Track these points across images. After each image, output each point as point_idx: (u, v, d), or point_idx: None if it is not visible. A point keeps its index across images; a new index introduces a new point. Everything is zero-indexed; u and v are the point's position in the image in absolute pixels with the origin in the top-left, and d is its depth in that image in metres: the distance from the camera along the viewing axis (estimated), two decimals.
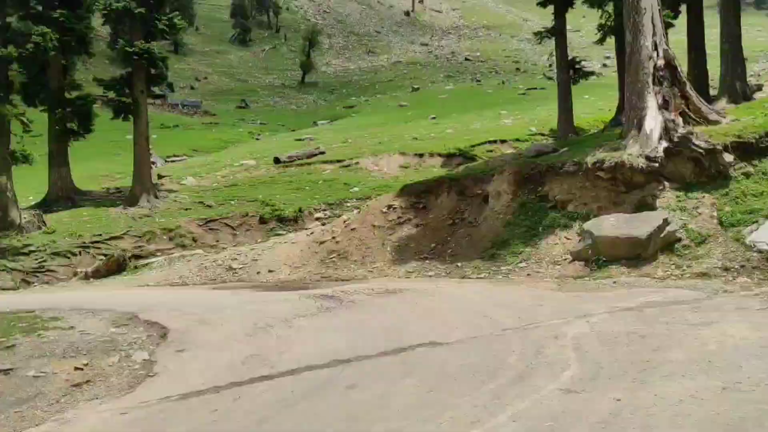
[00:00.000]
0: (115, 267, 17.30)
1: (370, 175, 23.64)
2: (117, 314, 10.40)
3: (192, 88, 63.73)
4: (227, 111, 56.92)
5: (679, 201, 11.28)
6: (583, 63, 24.69)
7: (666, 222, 10.68)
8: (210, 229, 19.27)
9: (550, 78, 50.97)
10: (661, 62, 12.16)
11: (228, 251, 17.05)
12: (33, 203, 23.95)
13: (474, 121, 33.56)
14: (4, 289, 16.74)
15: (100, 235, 18.90)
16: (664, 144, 11.48)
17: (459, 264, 12.57)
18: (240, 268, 15.23)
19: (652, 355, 6.29)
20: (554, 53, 23.08)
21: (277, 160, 26.60)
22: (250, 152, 32.09)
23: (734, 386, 5.24)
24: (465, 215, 14.14)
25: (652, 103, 11.72)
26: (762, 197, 10.73)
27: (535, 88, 50.75)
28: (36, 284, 17.41)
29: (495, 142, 25.50)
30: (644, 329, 7.20)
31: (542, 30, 23.20)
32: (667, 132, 11.59)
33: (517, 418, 5.06)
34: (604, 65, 51.68)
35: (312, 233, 16.31)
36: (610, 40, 21.35)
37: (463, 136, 27.99)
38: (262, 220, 19.28)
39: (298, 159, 26.39)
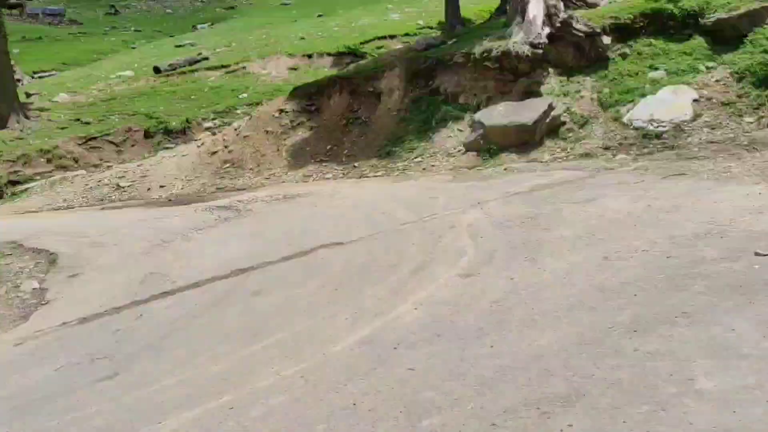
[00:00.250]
0: None
1: (258, 80, 22.75)
2: None
3: None
4: (95, 19, 52.29)
5: (563, 86, 11.63)
6: None
7: (551, 107, 11.04)
8: (91, 147, 18.06)
9: None
10: None
11: (114, 169, 16.16)
12: None
13: (361, 17, 32.69)
14: None
15: None
16: (547, 30, 11.66)
17: (356, 164, 12.56)
18: (129, 186, 14.53)
19: (542, 235, 6.65)
20: None
21: (157, 70, 24.98)
22: (126, 63, 29.94)
23: (614, 255, 5.66)
24: (359, 114, 13.99)
25: None
26: (637, 77, 11.24)
27: None
28: None
29: (384, 38, 25.00)
30: (534, 211, 7.56)
31: None
32: (549, 18, 11.76)
33: (418, 305, 5.26)
34: None
35: (203, 144, 15.68)
36: None
37: (351, 33, 27.26)
38: (148, 134, 18.23)
39: (180, 67, 24.87)
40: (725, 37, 11.23)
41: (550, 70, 11.87)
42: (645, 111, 10.52)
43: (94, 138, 18.32)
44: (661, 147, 9.91)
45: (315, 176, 12.68)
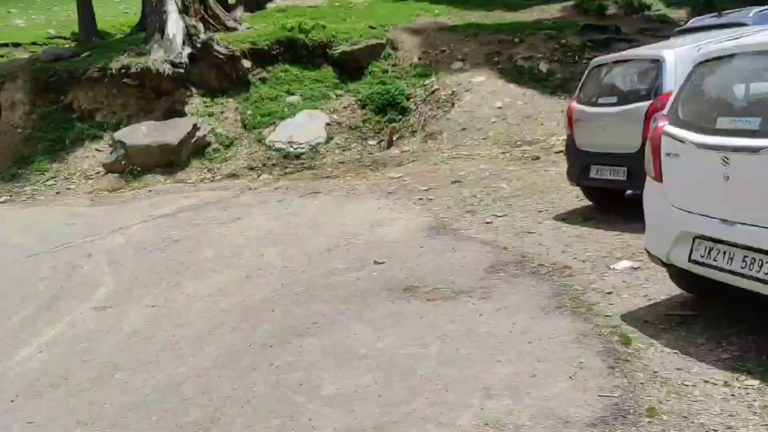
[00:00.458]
0: None
1: None
2: None
3: None
4: None
5: (207, 106, 11.70)
6: None
7: (196, 127, 11.00)
8: None
9: None
10: None
11: None
12: None
13: None
14: None
15: None
16: (188, 49, 11.61)
17: None
18: None
19: (186, 257, 6.53)
20: None
21: None
22: None
23: (256, 273, 5.85)
24: None
25: (172, 7, 11.62)
26: (276, 101, 11.91)
27: None
28: None
29: (7, 45, 21.98)
30: (179, 234, 7.41)
31: None
32: (189, 37, 11.72)
33: (44, 346, 4.69)
34: None
35: None
36: None
37: None
38: None
39: None
40: (350, 67, 12.61)
41: (194, 90, 11.83)
42: (285, 133, 11.19)
43: None
44: (300, 167, 10.65)
45: None
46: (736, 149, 3.35)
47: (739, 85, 3.74)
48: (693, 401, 3.10)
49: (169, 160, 10.71)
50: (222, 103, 11.83)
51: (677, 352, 3.60)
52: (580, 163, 6.51)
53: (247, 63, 12.14)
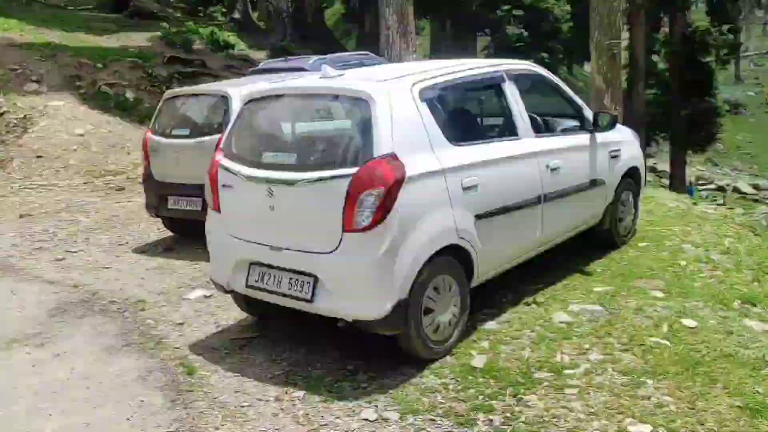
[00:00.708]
0: None
1: None
2: None
3: None
4: None
5: None
6: None
7: None
8: None
9: None
10: None
11: None
12: None
13: None
14: None
15: None
16: None
17: None
18: None
19: None
20: None
21: None
22: None
23: None
24: None
25: None
26: None
27: None
28: None
29: None
30: None
31: None
32: None
33: None
34: None
35: None
36: None
37: None
38: None
39: None
40: None
41: None
42: None
43: None
44: None
45: None
46: (278, 181, 3.68)
47: (281, 122, 4.14)
48: (246, 421, 3.26)
49: None
50: None
51: (238, 374, 3.75)
52: (157, 193, 6.42)
53: None
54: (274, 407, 3.38)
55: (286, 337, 4.21)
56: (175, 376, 3.75)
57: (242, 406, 3.40)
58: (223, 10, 27.33)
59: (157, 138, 6.40)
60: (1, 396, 3.56)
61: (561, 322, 4.02)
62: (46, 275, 5.73)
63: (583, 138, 4.98)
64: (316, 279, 3.62)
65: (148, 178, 6.55)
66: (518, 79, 4.51)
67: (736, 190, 32.82)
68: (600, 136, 5.08)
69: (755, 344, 3.69)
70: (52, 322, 4.60)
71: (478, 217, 3.91)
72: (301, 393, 3.49)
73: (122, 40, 15.19)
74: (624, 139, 5.51)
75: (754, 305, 4.37)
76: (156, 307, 4.88)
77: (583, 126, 5.04)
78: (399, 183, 3.45)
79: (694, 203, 7.18)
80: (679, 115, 24.62)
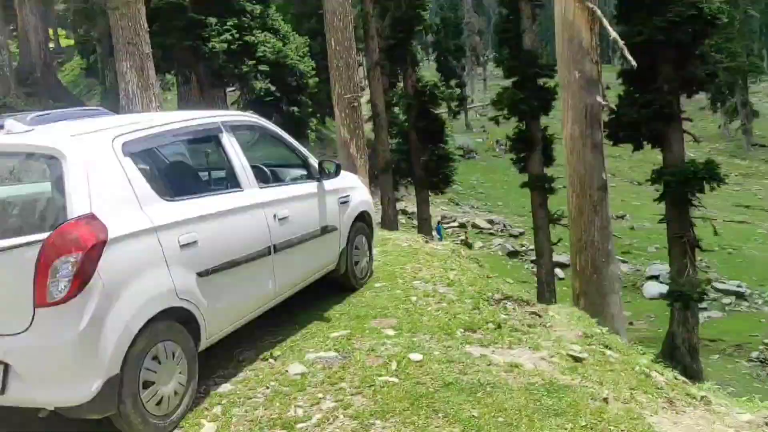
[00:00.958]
0: None
1: None
2: None
3: None
4: None
5: None
6: None
7: None
8: None
9: None
10: None
11: None
12: None
13: None
14: None
15: None
16: None
17: None
18: None
19: None
20: None
21: None
22: None
23: None
24: None
25: None
26: None
27: None
28: None
29: None
30: None
31: None
32: None
33: None
34: None
35: None
36: None
37: None
38: None
39: None
40: None
41: None
42: None
43: None
44: None
45: None
46: None
47: None
48: None
49: None
50: None
51: None
52: None
53: None
54: None
55: None
56: None
57: None
58: None
59: None
60: None
61: (296, 374, 3.93)
62: None
63: (311, 186, 5.05)
64: (6, 366, 3.09)
65: None
66: (237, 129, 4.44)
67: (474, 225, 36.65)
68: (328, 184, 5.20)
69: (473, 369, 3.95)
70: None
71: (201, 274, 3.70)
72: None
73: None
74: (352, 186, 5.73)
75: (474, 331, 4.73)
76: None
77: (311, 175, 5.12)
78: (99, 246, 3.12)
79: (427, 241, 7.72)
80: (419, 161, 26.89)
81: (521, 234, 34.66)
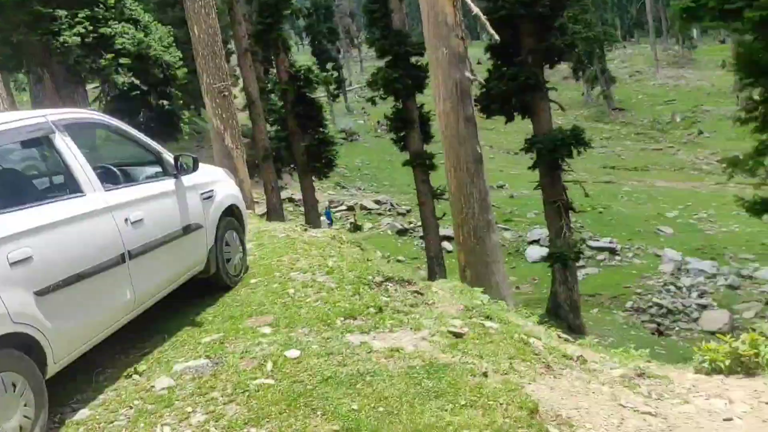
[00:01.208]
0: None
1: None
2: None
3: None
4: None
5: None
6: None
7: None
8: None
9: None
10: None
11: None
12: None
13: None
14: None
15: None
16: None
17: None
18: None
19: None
20: None
21: None
22: None
23: None
24: None
25: None
26: None
27: None
28: None
29: None
30: None
31: None
32: None
33: None
34: None
35: None
36: None
37: None
38: None
39: None
40: None
41: None
42: None
43: None
44: None
45: None
46: None
47: None
48: None
49: None
50: None
51: None
52: None
53: None
54: None
55: None
56: None
57: None
58: None
59: None
60: None
61: (163, 389, 3.62)
62: None
63: (168, 184, 4.68)
64: None
65: None
66: (73, 129, 4.00)
67: (363, 207, 36.79)
68: (187, 180, 4.85)
69: (353, 359, 3.82)
70: None
71: (41, 293, 3.30)
72: None
73: None
74: (216, 179, 5.40)
75: (355, 318, 4.60)
76: None
77: (166, 171, 4.75)
78: None
79: (306, 230, 7.50)
80: (300, 147, 26.50)
81: (408, 212, 35.18)
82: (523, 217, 32.50)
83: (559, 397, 3.47)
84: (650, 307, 23.26)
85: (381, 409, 3.23)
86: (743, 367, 4.62)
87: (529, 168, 22.43)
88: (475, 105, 16.28)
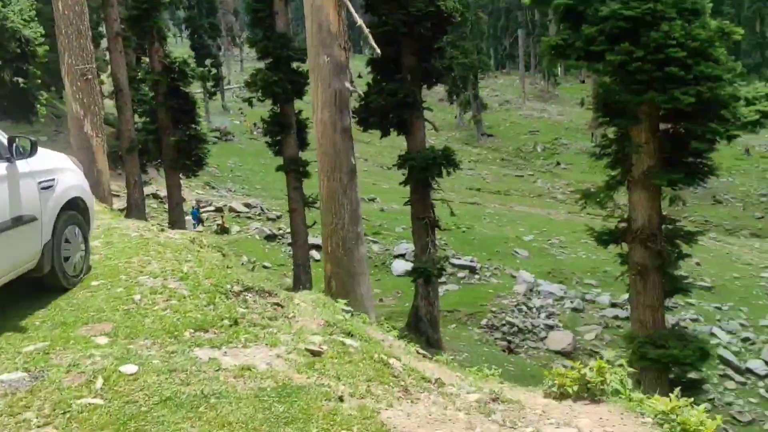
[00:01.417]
0: None
1: None
2: None
3: None
4: None
5: None
6: None
7: None
8: None
9: None
10: None
11: None
12: None
13: None
14: None
15: None
16: None
17: None
18: None
19: None
20: None
21: None
22: None
23: None
24: None
25: None
26: None
27: None
28: None
29: None
30: None
31: None
32: None
33: None
34: None
35: None
36: None
37: None
38: None
39: None
40: None
41: None
42: None
43: None
44: None
45: None
46: None
47: None
48: None
49: None
50: None
51: None
52: None
53: None
54: None
55: None
56: None
57: None
58: None
59: None
60: None
61: None
62: None
63: None
64: None
65: None
66: None
67: (232, 209, 35.65)
68: (22, 165, 4.28)
69: (198, 378, 3.48)
70: None
71: None
72: None
73: None
74: (59, 167, 4.83)
75: (206, 331, 4.24)
76: None
77: None
78: None
79: (162, 230, 6.97)
80: (170, 141, 25.20)
81: (279, 217, 34.57)
82: (392, 231, 32.98)
83: (415, 425, 3.34)
84: (503, 325, 24.31)
85: None
86: (590, 393, 4.77)
87: (401, 183, 22.76)
88: (353, 117, 16.25)
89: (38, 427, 2.94)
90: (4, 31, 21.21)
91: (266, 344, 4.18)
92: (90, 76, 12.49)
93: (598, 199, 14.89)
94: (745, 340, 23.77)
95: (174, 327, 4.18)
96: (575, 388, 4.85)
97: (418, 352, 6.41)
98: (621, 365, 5.06)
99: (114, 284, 4.91)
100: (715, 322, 24.77)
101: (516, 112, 73.80)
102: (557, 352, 22.89)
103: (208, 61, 58.91)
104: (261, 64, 24.63)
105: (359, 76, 34.21)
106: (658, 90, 12.74)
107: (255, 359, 3.86)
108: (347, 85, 11.83)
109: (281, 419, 3.10)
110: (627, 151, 14.39)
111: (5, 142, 4.18)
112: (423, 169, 20.27)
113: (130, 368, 3.49)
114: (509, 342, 23.41)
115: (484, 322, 24.34)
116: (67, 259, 4.78)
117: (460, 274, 28.21)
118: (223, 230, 31.31)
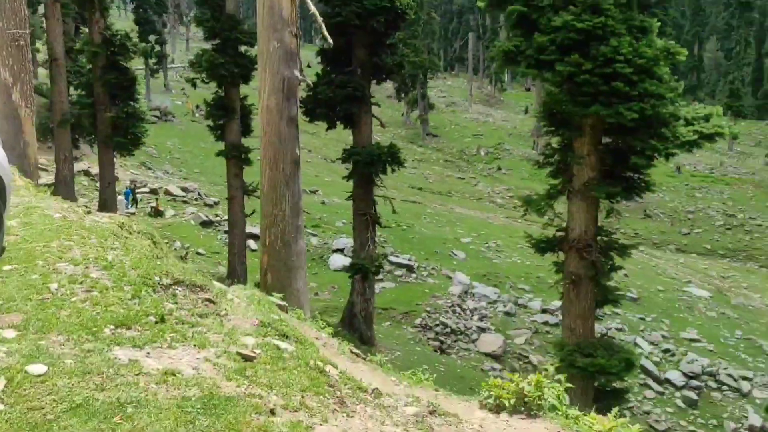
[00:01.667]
0: None
1: None
2: None
3: None
4: None
5: None
6: None
7: None
8: None
9: None
10: None
11: None
12: None
13: None
14: None
15: None
16: None
17: None
18: None
19: None
20: None
21: None
22: None
23: None
24: None
25: None
26: None
27: None
28: None
29: None
30: None
31: None
32: None
33: None
34: None
35: None
36: None
37: None
38: None
39: None
40: None
41: None
42: None
43: None
44: None
45: None
46: None
47: None
48: None
49: None
50: None
51: None
52: None
53: None
54: None
55: None
56: None
57: None
58: None
59: None
60: None
61: None
62: None
63: None
64: None
65: None
66: None
67: (167, 192, 34.52)
68: None
69: (116, 383, 3.17)
70: None
71: None
72: None
73: None
74: None
75: (129, 328, 3.91)
76: None
77: None
78: None
79: (89, 212, 6.51)
80: (105, 117, 24.15)
81: (216, 204, 33.72)
82: (332, 225, 32.68)
83: None
84: (437, 325, 24.44)
85: None
86: (526, 407, 4.69)
87: (344, 178, 22.52)
88: (300, 107, 15.89)
89: None
90: None
91: (194, 345, 3.89)
92: (22, 42, 11.77)
93: (538, 207, 15.05)
94: (666, 351, 24.68)
95: (93, 322, 3.83)
96: (512, 401, 4.76)
97: (352, 352, 6.21)
98: (559, 380, 5.01)
99: (29, 270, 4.49)
100: (638, 333, 25.60)
101: (462, 115, 74.54)
102: (487, 355, 23.18)
103: (152, 37, 56.97)
104: (208, 45, 23.89)
105: (308, 66, 33.68)
106: (603, 104, 12.95)
107: (181, 362, 3.57)
108: (296, 73, 11.51)
109: None
110: (569, 161, 14.60)
111: None
112: (368, 165, 20.09)
113: (38, 368, 3.14)
114: (441, 342, 23.56)
115: (418, 321, 24.40)
116: None
117: (398, 272, 28.19)
118: (158, 213, 30.29)
